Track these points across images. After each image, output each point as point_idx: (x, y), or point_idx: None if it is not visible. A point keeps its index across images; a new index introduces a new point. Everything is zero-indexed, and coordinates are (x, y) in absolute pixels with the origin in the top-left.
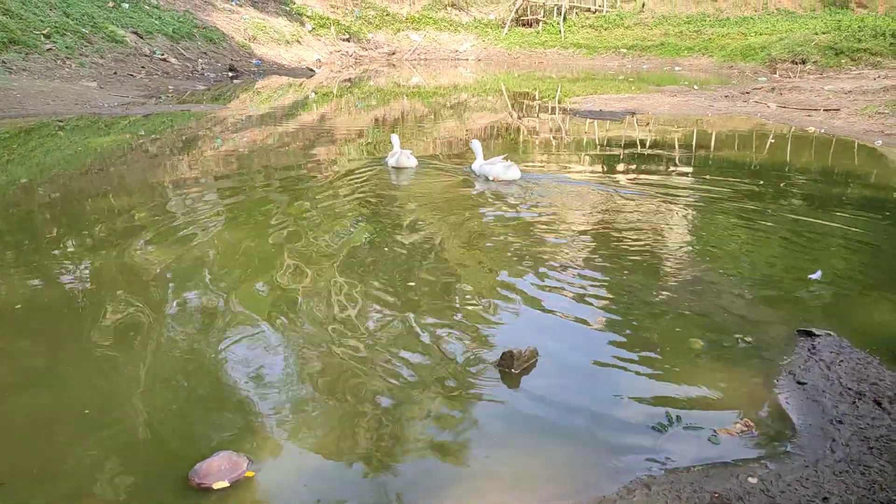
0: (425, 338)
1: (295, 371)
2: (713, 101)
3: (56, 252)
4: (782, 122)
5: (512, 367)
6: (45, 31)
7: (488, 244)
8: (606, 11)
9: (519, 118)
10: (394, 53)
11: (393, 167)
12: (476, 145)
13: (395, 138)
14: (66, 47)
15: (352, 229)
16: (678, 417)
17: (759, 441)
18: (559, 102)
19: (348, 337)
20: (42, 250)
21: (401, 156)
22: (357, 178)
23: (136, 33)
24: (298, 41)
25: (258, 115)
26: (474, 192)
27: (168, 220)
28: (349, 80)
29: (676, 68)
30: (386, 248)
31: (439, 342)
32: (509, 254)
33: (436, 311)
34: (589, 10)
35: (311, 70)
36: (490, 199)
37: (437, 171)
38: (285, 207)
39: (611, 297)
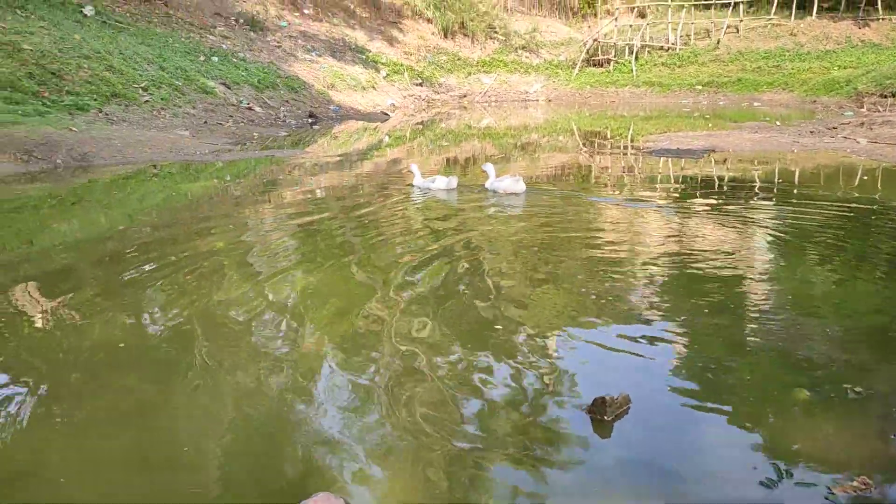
0: (509, 380)
1: (379, 411)
2: (798, 136)
3: (149, 292)
4: (874, 157)
5: (604, 413)
6: (143, 85)
7: (564, 283)
8: (680, 49)
9: (590, 156)
10: (465, 96)
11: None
12: (489, 167)
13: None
14: (162, 99)
15: (427, 267)
16: (788, 472)
17: (879, 500)
18: (631, 141)
19: (431, 379)
20: (136, 290)
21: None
22: (431, 216)
23: (224, 84)
24: (374, 87)
25: (335, 158)
26: (547, 229)
27: (250, 260)
28: (422, 123)
29: (755, 104)
30: (461, 286)
31: (525, 384)
32: (588, 291)
33: (516, 351)
34: (661, 48)
35: (386, 114)
36: (562, 234)
37: (507, 211)
38: (361, 245)
39: (699, 338)
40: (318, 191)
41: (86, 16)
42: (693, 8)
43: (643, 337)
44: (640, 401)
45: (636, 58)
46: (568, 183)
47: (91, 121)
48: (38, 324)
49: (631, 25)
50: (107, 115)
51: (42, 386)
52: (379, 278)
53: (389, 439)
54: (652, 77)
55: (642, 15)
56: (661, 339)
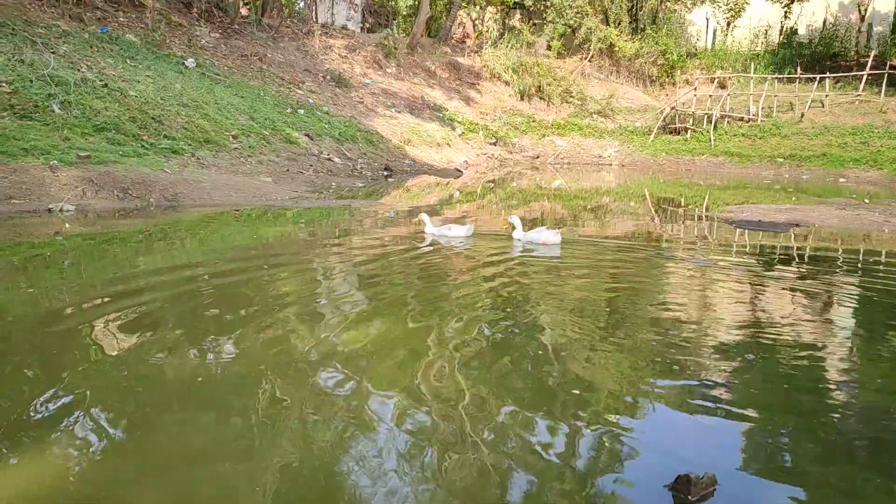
0: (574, 448)
1: (430, 474)
2: (889, 216)
3: (222, 331)
4: None
5: (689, 493)
6: (233, 133)
7: (630, 346)
8: (761, 121)
9: (663, 223)
10: (538, 157)
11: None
12: (515, 219)
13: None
14: (249, 147)
15: (486, 321)
16: None
17: None
18: (706, 210)
19: (486, 443)
20: (210, 328)
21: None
22: (494, 270)
23: (307, 135)
24: (448, 144)
25: (406, 210)
26: (612, 287)
27: (317, 306)
28: (493, 181)
29: (841, 180)
30: (520, 342)
31: (593, 454)
32: (655, 355)
33: (578, 417)
34: (742, 119)
35: (459, 171)
36: (629, 294)
37: (569, 267)
38: (424, 296)
39: (778, 415)
40: (386, 240)
41: (187, 67)
42: (776, 81)
43: (718, 409)
44: (727, 482)
45: (715, 127)
46: (638, 244)
47: (184, 164)
48: (115, 357)
49: (711, 95)
50: (198, 159)
51: (118, 418)
52: (439, 331)
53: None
54: (731, 147)
55: (722, 86)
56: (738, 414)
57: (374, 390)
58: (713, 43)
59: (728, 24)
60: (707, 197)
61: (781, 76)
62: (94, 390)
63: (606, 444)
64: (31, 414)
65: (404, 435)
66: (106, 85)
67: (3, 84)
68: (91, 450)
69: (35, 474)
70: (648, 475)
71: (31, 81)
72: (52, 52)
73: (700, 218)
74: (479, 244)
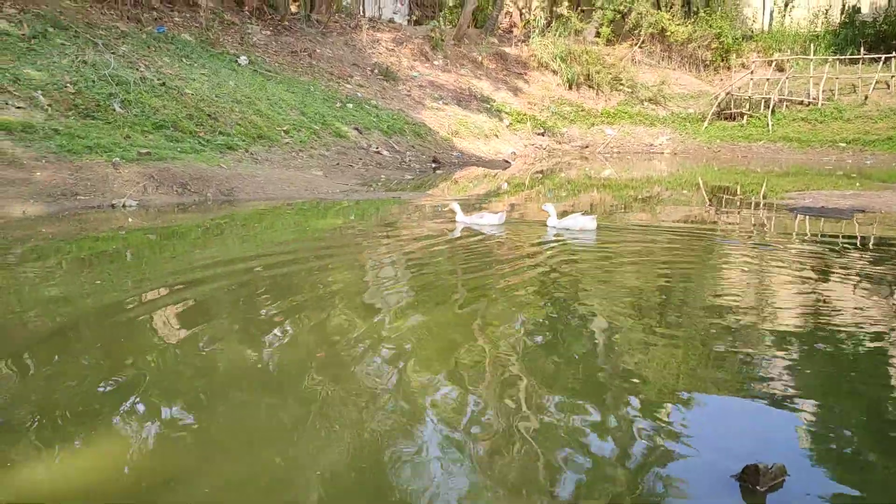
0: (632, 438)
1: (479, 463)
2: None
3: (274, 320)
4: None
5: (758, 483)
6: (285, 128)
7: (684, 336)
8: (822, 104)
9: (718, 211)
10: (587, 147)
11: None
12: (550, 207)
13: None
14: (300, 141)
15: (535, 311)
16: None
17: None
18: (765, 197)
19: (538, 435)
20: (263, 318)
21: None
22: (540, 258)
23: (356, 129)
24: (496, 135)
25: (454, 202)
26: (665, 277)
27: (366, 297)
28: (541, 171)
29: None
30: (570, 333)
31: (654, 446)
32: (712, 346)
33: (634, 408)
34: (801, 102)
35: (507, 162)
36: (682, 284)
37: (620, 256)
38: (471, 286)
39: (851, 404)
40: (434, 232)
41: (240, 65)
42: (838, 62)
43: (778, 400)
44: (795, 472)
45: (773, 112)
46: (692, 231)
47: (238, 159)
48: (173, 345)
49: (768, 79)
50: (252, 154)
51: (177, 405)
52: (487, 321)
53: (487, 495)
54: (790, 132)
55: (780, 69)
56: (800, 404)
57: (422, 380)
58: (770, 24)
59: (786, 5)
60: (765, 184)
61: (843, 57)
62: (154, 378)
63: (662, 434)
64: (96, 400)
65: (452, 426)
66: (163, 83)
67: (68, 85)
68: (151, 436)
69: (99, 459)
70: (708, 466)
71: (94, 82)
72: (112, 53)
73: (759, 205)
74: (516, 231)
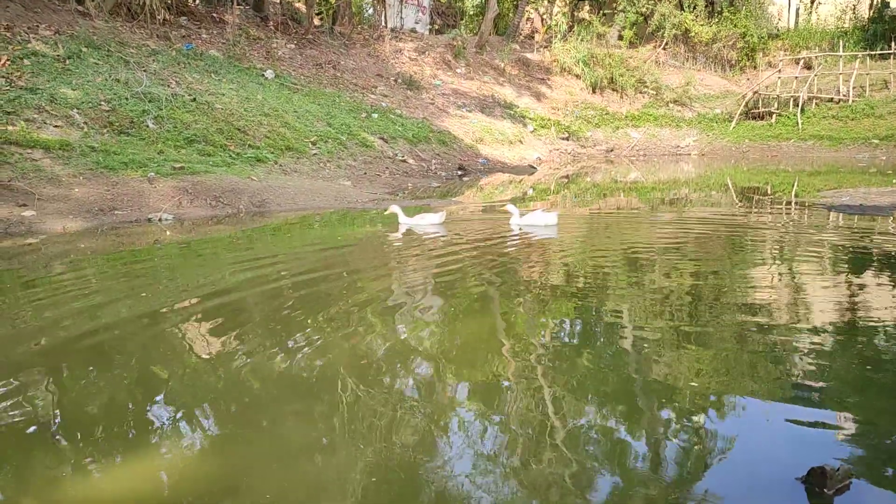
0: (673, 447)
1: (512, 472)
2: None
3: (301, 330)
4: None
5: (825, 486)
6: (312, 139)
7: (717, 340)
8: (853, 101)
9: (750, 211)
10: (612, 150)
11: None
12: (512, 207)
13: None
14: (328, 152)
15: (562, 317)
16: None
17: None
18: (797, 196)
19: (568, 442)
20: (291, 329)
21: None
22: (567, 261)
23: (382, 139)
24: (521, 141)
25: (481, 208)
26: (695, 281)
27: (394, 306)
28: (567, 176)
29: None
30: (600, 339)
31: (691, 453)
32: (746, 351)
33: (670, 413)
34: (831, 100)
35: (532, 167)
36: (715, 288)
37: (649, 257)
38: (499, 292)
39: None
40: (462, 238)
41: (267, 79)
42: (868, 58)
43: (821, 401)
44: (860, 474)
45: (802, 110)
46: (724, 231)
47: (268, 171)
48: (206, 358)
49: (797, 77)
50: (281, 166)
51: (211, 418)
52: (516, 326)
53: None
54: (820, 130)
55: (808, 66)
56: (845, 407)
57: (452, 389)
58: (796, 22)
59: (812, 2)
60: (797, 183)
61: (873, 53)
62: (188, 390)
63: (707, 438)
64: (131, 413)
65: (484, 434)
66: (194, 99)
67: (103, 103)
68: (187, 449)
69: (135, 473)
70: (766, 470)
71: (127, 99)
72: (143, 71)
73: (794, 204)
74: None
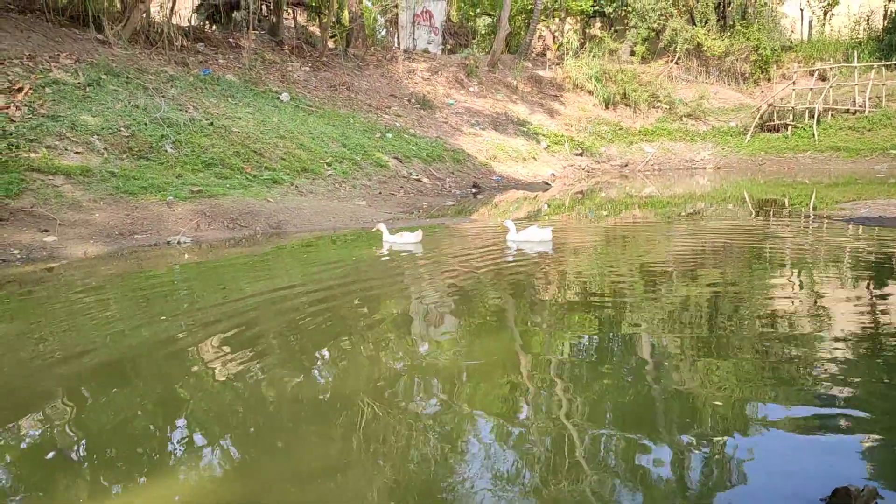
0: (695, 466)
1: (531, 491)
2: None
3: (324, 351)
4: None
5: None
6: (327, 161)
7: (737, 353)
8: (870, 112)
9: (767, 224)
10: (626, 165)
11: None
12: (510, 223)
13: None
14: (343, 172)
15: (581, 332)
16: None
17: None
18: (815, 209)
19: (588, 460)
20: (308, 347)
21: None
22: (580, 277)
23: (396, 158)
24: (534, 158)
25: (495, 226)
26: (714, 289)
27: (409, 323)
28: (581, 192)
29: None
30: (618, 353)
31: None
32: (766, 364)
33: (692, 430)
34: (847, 111)
35: (546, 184)
36: (734, 297)
37: (666, 268)
38: (516, 309)
39: None
40: (477, 255)
41: (282, 101)
42: (883, 69)
43: (846, 417)
44: (888, 495)
45: (818, 122)
46: (743, 244)
47: (284, 193)
48: (223, 379)
49: (811, 89)
50: (297, 187)
51: (229, 438)
52: (533, 344)
53: None
54: (837, 141)
55: (823, 78)
56: (872, 425)
57: (470, 408)
58: (809, 34)
59: (825, 13)
60: (814, 195)
61: (889, 63)
62: (206, 412)
63: (727, 455)
64: (150, 435)
65: (503, 453)
66: (211, 123)
67: (122, 129)
68: (204, 470)
69: (155, 495)
70: (789, 489)
71: (146, 125)
72: (162, 96)
73: (812, 217)
74: (560, 251)
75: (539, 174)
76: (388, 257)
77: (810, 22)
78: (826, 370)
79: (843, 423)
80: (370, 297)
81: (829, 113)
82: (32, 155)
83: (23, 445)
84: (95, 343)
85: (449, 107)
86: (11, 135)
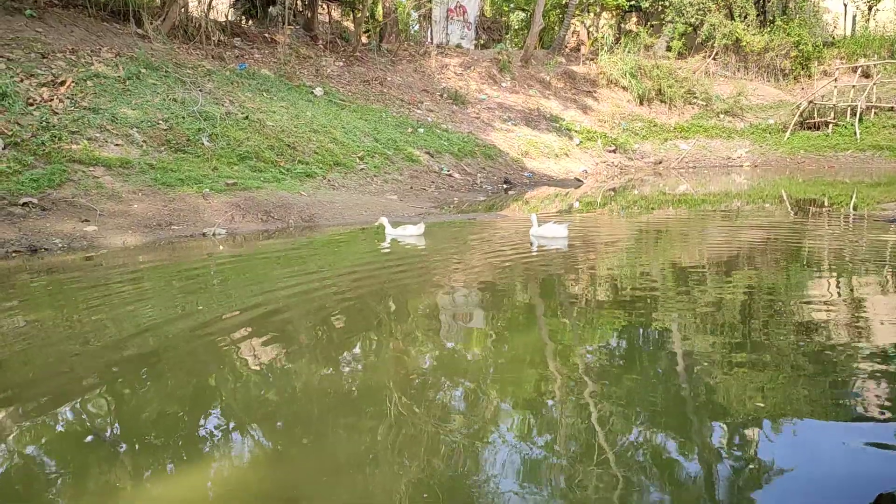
0: (723, 467)
1: (558, 488)
2: None
3: (354, 344)
4: None
5: None
6: (359, 155)
7: (772, 357)
8: None
9: (805, 224)
10: (660, 162)
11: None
12: (533, 217)
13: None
14: (374, 167)
15: (610, 331)
16: None
17: None
18: (855, 209)
19: (616, 458)
20: (337, 342)
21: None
22: (612, 274)
23: (428, 153)
24: (566, 154)
25: (526, 222)
26: (749, 291)
27: (438, 318)
28: (613, 189)
29: None
30: (647, 353)
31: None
32: (801, 370)
33: (726, 431)
34: (892, 109)
35: (579, 181)
36: (769, 300)
37: (702, 272)
38: (545, 305)
39: None
40: (507, 252)
41: (316, 96)
42: None
43: (886, 426)
44: None
45: (860, 119)
46: (777, 243)
47: (317, 186)
48: (255, 369)
49: (854, 86)
50: (329, 181)
51: (260, 430)
52: (562, 341)
53: None
54: (880, 140)
55: (866, 75)
56: None
57: (498, 403)
58: (853, 30)
59: (870, 9)
60: (855, 195)
61: None
62: (239, 403)
63: (761, 458)
64: (186, 425)
65: (530, 449)
66: (247, 117)
67: (160, 122)
68: (236, 460)
69: (188, 483)
70: (831, 495)
71: (184, 118)
72: (199, 90)
73: (852, 217)
74: (586, 249)
75: (571, 170)
76: (421, 251)
77: (854, 17)
78: (866, 374)
79: (885, 428)
80: (400, 291)
81: (872, 111)
82: (74, 147)
83: (62, 429)
84: (133, 332)
85: (481, 102)
86: (55, 127)
